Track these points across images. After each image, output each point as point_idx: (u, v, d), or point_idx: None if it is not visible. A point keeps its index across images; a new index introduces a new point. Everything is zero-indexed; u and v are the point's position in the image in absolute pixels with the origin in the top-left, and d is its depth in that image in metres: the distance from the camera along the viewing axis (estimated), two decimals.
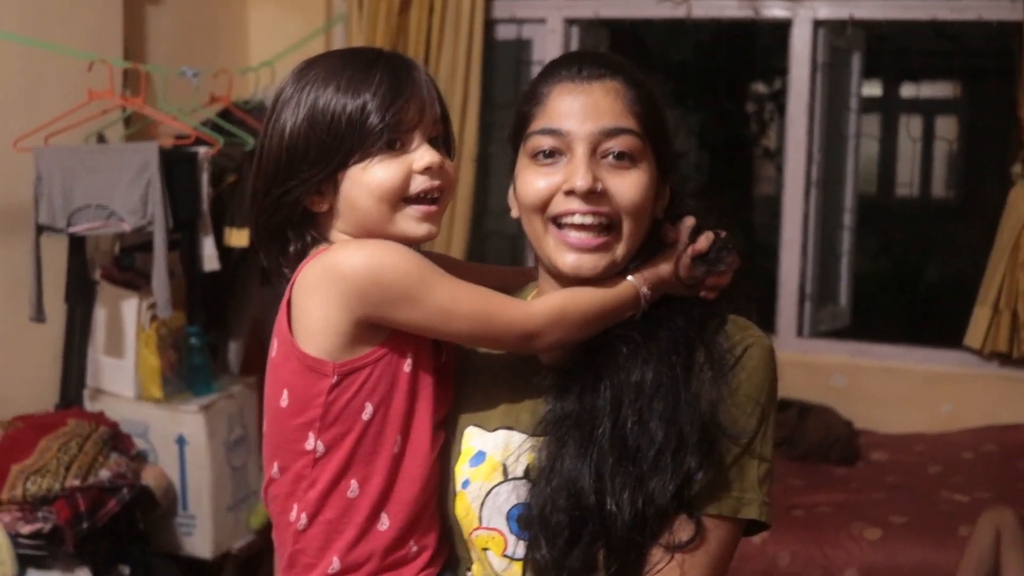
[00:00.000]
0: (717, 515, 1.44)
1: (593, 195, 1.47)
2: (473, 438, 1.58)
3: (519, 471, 1.51)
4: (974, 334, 4.53)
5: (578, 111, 1.48)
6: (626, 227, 1.50)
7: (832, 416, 4.53)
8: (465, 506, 1.54)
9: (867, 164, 10.66)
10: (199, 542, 3.69)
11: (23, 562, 3.11)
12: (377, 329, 1.46)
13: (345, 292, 1.43)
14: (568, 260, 1.50)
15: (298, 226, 1.53)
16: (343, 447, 1.48)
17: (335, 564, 1.51)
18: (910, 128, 12.21)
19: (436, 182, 1.51)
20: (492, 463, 1.54)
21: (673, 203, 1.59)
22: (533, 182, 1.51)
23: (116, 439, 3.49)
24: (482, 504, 1.53)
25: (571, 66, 1.52)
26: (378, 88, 1.47)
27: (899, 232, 10.69)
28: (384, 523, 1.50)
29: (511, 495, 1.51)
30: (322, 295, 1.45)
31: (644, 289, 1.51)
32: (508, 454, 1.53)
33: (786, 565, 3.68)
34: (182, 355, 3.77)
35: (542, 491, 1.45)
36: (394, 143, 1.48)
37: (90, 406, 3.70)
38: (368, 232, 1.50)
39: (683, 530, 1.43)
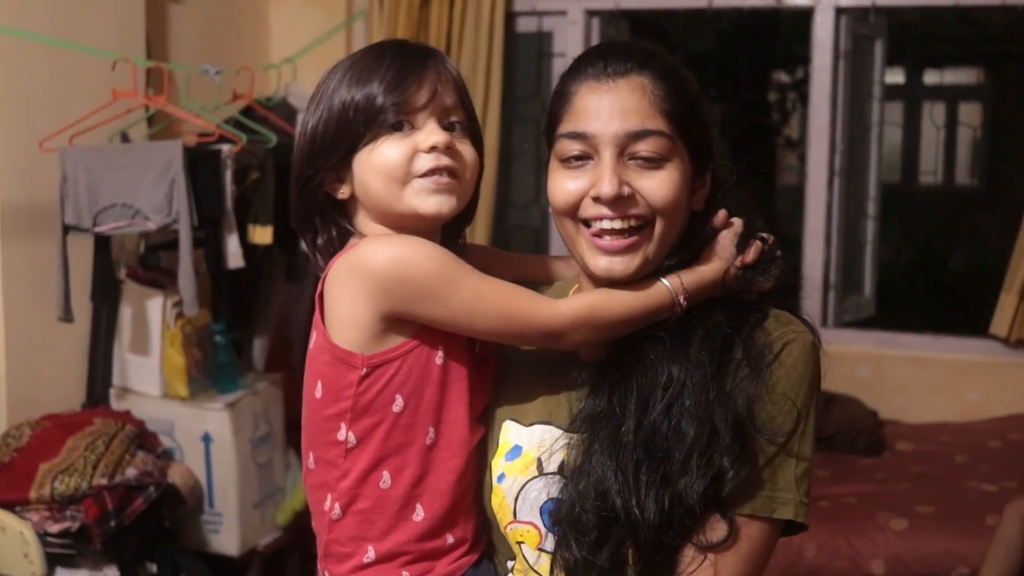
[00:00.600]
0: (750, 514, 1.42)
1: (621, 200, 1.45)
2: (510, 432, 1.58)
3: (553, 467, 1.51)
4: (1000, 322, 4.50)
5: (604, 111, 1.45)
6: (658, 226, 1.47)
7: (857, 406, 4.51)
8: (500, 500, 1.55)
9: (890, 152, 10.59)
10: (225, 539, 3.71)
11: (51, 561, 3.14)
12: (406, 323, 1.48)
13: (371, 287, 1.45)
14: (600, 264, 1.48)
15: (325, 215, 1.56)
16: (374, 438, 1.50)
17: (370, 554, 1.53)
18: (933, 115, 12.14)
19: (444, 161, 1.50)
20: (527, 458, 1.54)
21: (716, 194, 1.56)
22: (562, 185, 1.49)
23: (142, 437, 3.51)
24: (516, 498, 1.53)
25: (597, 61, 1.48)
26: (386, 73, 1.49)
27: (923, 220, 10.61)
28: (419, 514, 1.52)
29: (543, 491, 1.51)
30: (350, 290, 1.47)
31: (681, 298, 1.48)
32: (543, 449, 1.53)
33: (812, 556, 3.67)
34: (207, 353, 3.78)
35: (572, 490, 1.45)
36: (401, 125, 1.49)
37: (116, 405, 3.72)
38: (384, 215, 1.52)
39: (716, 530, 1.41)
